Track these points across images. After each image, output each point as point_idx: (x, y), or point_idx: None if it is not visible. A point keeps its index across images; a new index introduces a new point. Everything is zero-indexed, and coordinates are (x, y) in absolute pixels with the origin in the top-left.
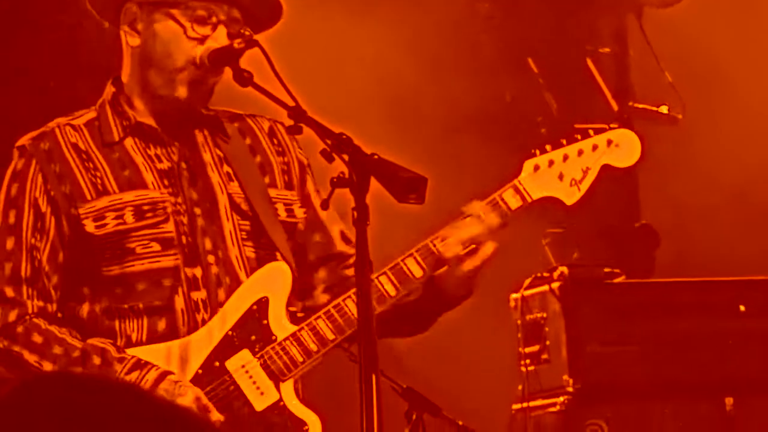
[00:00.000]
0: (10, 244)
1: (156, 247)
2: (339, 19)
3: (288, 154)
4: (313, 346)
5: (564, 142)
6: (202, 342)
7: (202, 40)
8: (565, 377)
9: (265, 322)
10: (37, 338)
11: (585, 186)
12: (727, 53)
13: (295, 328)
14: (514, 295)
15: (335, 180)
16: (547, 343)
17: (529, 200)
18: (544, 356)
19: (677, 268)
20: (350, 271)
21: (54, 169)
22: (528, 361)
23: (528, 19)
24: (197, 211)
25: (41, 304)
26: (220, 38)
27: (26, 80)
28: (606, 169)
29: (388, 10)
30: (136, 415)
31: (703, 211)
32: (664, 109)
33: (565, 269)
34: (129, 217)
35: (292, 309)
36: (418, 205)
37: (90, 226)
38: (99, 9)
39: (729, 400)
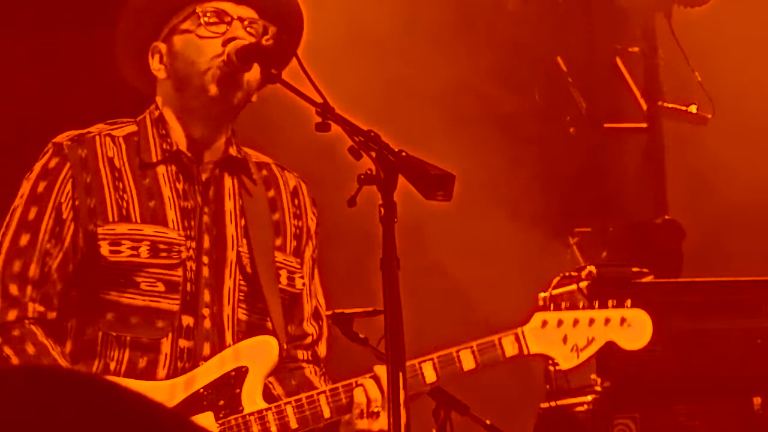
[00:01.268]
0: (24, 240)
1: (161, 287)
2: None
3: (303, 218)
4: (273, 429)
5: (581, 305)
6: (176, 390)
7: (218, 36)
8: (593, 376)
9: (238, 391)
10: (30, 348)
11: (585, 356)
12: (755, 52)
13: (264, 406)
14: (542, 294)
15: (362, 177)
16: None
17: (526, 353)
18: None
19: (705, 268)
20: (302, 372)
21: (85, 179)
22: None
23: (557, 17)
24: (205, 260)
25: (42, 309)
26: (237, 33)
27: (79, 77)
28: (610, 344)
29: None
30: (104, 408)
31: (731, 211)
32: (693, 109)
33: (593, 268)
34: (144, 251)
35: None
36: (445, 202)
37: (105, 248)
38: (133, 63)
39: (757, 400)
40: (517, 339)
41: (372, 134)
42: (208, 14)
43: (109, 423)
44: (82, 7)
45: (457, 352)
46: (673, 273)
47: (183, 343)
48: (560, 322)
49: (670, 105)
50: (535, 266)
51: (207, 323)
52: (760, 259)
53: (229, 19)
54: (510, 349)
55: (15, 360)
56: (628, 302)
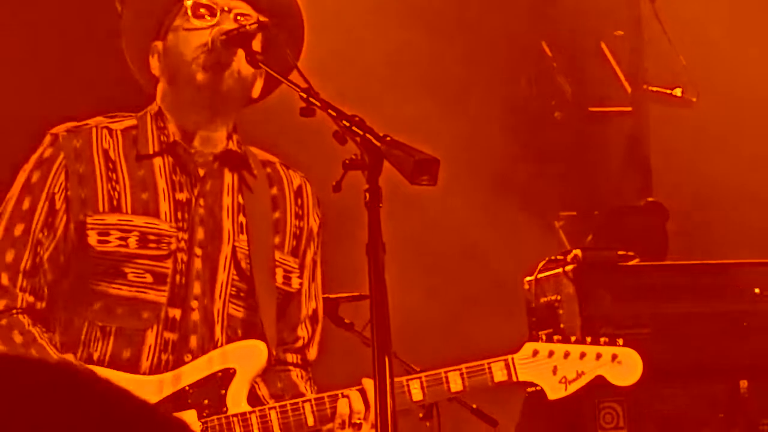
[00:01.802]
0: (18, 231)
1: (149, 278)
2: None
3: (305, 218)
4: None
5: (572, 338)
6: (163, 386)
7: (206, 28)
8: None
9: (224, 392)
10: (17, 337)
11: (573, 388)
12: (740, 35)
13: (248, 408)
14: (528, 278)
15: (347, 162)
16: (561, 326)
17: (514, 380)
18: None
19: (691, 251)
20: (289, 375)
21: (78, 169)
22: None
23: (542, 2)
24: (198, 251)
25: (31, 299)
26: (225, 24)
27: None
28: (598, 378)
29: None
30: (72, 395)
31: (717, 193)
32: (678, 92)
33: (578, 252)
34: (133, 242)
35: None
36: (430, 186)
37: (93, 238)
38: (136, 64)
39: (744, 383)
40: (507, 366)
41: (357, 119)
42: (198, 6)
43: (79, 415)
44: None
45: (446, 373)
46: (659, 256)
47: (168, 335)
48: (551, 353)
49: (654, 88)
50: (520, 250)
51: (195, 315)
52: (746, 241)
53: (219, 10)
54: (499, 374)
55: (1, 348)
56: (620, 341)
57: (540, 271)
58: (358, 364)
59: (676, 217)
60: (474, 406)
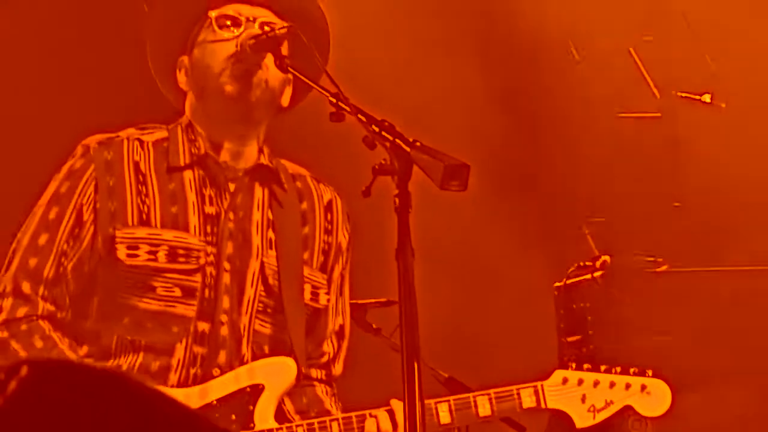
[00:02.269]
0: (42, 240)
1: (177, 292)
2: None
3: (334, 233)
4: None
5: (602, 368)
6: (190, 399)
7: (232, 39)
8: (603, 367)
9: (251, 408)
10: (38, 342)
11: (601, 417)
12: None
13: (275, 425)
14: (557, 284)
15: (377, 167)
16: (590, 332)
17: (543, 407)
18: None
19: (720, 257)
20: (314, 391)
21: (108, 182)
22: (570, 350)
23: (570, 5)
24: (227, 266)
25: (52, 308)
26: (252, 32)
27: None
28: (626, 409)
29: None
30: (120, 403)
31: (747, 200)
32: (707, 98)
33: (607, 258)
34: (162, 256)
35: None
36: (460, 191)
37: (122, 252)
38: (163, 78)
39: None
40: (536, 392)
41: (386, 124)
42: (222, 18)
43: (125, 418)
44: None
45: (474, 397)
46: (686, 261)
47: (197, 349)
48: (581, 381)
49: (684, 94)
50: (549, 255)
51: (224, 330)
52: None
53: (244, 20)
54: (527, 401)
55: (23, 354)
56: (650, 372)
57: (569, 278)
58: (387, 369)
59: (705, 222)
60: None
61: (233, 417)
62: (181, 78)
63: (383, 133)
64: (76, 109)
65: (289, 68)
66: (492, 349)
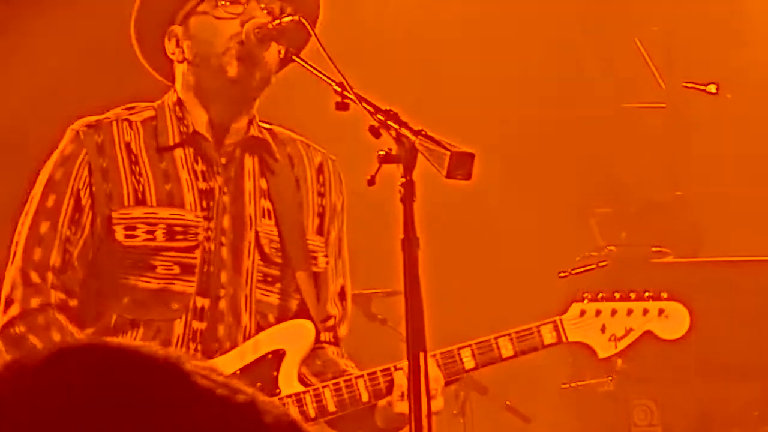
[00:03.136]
0: (44, 228)
1: (176, 270)
2: None
3: (327, 195)
4: (311, 413)
5: (617, 296)
6: None
7: (235, 16)
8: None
9: (275, 374)
10: (56, 335)
11: (623, 345)
12: None
13: (301, 388)
14: (561, 274)
15: (382, 156)
16: None
17: (564, 341)
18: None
19: (725, 247)
20: (326, 353)
21: (102, 164)
22: None
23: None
24: (224, 240)
25: (63, 296)
26: (255, 13)
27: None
28: (647, 335)
29: None
30: (173, 391)
31: (753, 189)
32: (712, 88)
33: (613, 248)
34: (160, 234)
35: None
36: (465, 180)
37: (120, 233)
38: (147, 53)
39: None
40: (556, 327)
41: (391, 113)
42: None
43: (185, 411)
44: None
45: (496, 339)
46: (692, 252)
47: (196, 324)
48: (598, 312)
49: (689, 84)
50: (555, 246)
51: (222, 304)
52: None
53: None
54: (548, 337)
55: (40, 347)
56: (665, 294)
57: (575, 268)
58: (394, 359)
59: (711, 212)
60: (507, 402)
61: (258, 385)
62: (171, 48)
63: (388, 121)
64: (61, 94)
65: (294, 57)
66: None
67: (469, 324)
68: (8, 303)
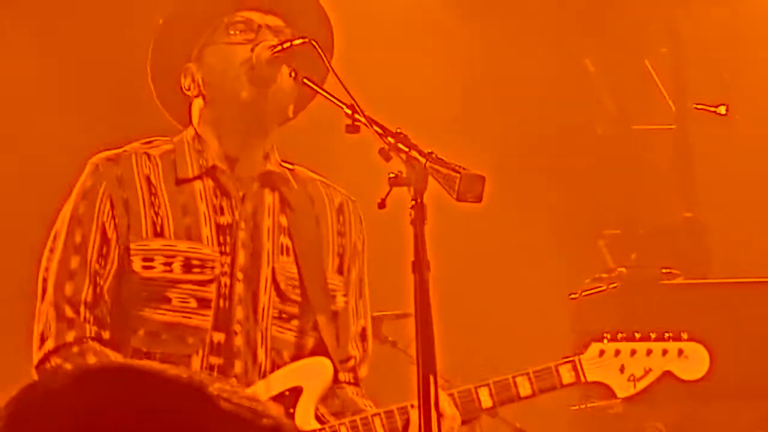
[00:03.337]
0: (74, 263)
1: (193, 303)
2: None
3: (347, 235)
4: None
5: (637, 336)
6: None
7: (247, 43)
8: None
9: (292, 411)
10: (92, 359)
11: (642, 385)
12: None
13: (317, 426)
14: (572, 296)
15: (392, 179)
16: None
17: (583, 381)
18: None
19: (734, 269)
20: (345, 392)
21: (122, 196)
22: None
23: (584, 19)
24: (239, 275)
25: (97, 329)
26: (266, 38)
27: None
28: (667, 375)
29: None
30: (198, 414)
31: (761, 211)
32: (722, 110)
33: (623, 270)
34: (177, 267)
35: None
36: (476, 203)
37: (137, 264)
38: (162, 86)
39: None
40: (575, 367)
41: (401, 135)
42: (236, 23)
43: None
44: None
45: (514, 378)
46: (701, 273)
47: (213, 359)
48: (617, 352)
49: (699, 106)
50: (565, 268)
51: (239, 340)
52: None
53: (256, 26)
54: (567, 376)
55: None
56: (685, 335)
57: (585, 289)
58: (404, 382)
59: (720, 234)
60: (517, 425)
61: None
62: (187, 84)
63: (399, 144)
64: (78, 126)
65: (304, 81)
66: (508, 361)
67: (479, 345)
68: (43, 339)
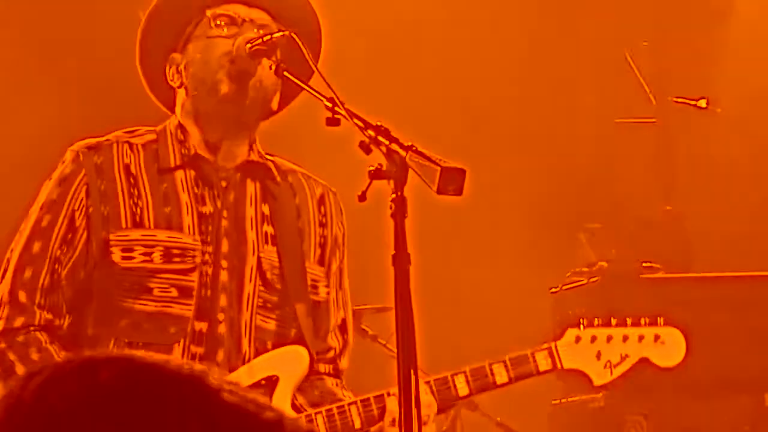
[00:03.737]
0: (36, 248)
1: (174, 293)
2: None
3: (329, 226)
4: None
5: (613, 321)
6: None
7: (230, 37)
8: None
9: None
10: (34, 355)
11: (618, 372)
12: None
13: (294, 416)
14: (553, 290)
15: (372, 172)
16: None
17: (559, 367)
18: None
19: (716, 263)
20: (324, 383)
21: (100, 186)
22: None
23: (566, 15)
24: (224, 263)
25: (50, 316)
26: (249, 34)
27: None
28: (643, 362)
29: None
30: (201, 406)
31: (743, 205)
32: (702, 103)
33: (604, 264)
34: (157, 257)
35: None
36: (456, 196)
37: (117, 255)
38: (151, 83)
39: None
40: (551, 354)
41: (382, 128)
42: (219, 17)
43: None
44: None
45: (490, 365)
46: (682, 267)
47: (195, 348)
48: (594, 338)
49: (680, 100)
50: (545, 262)
51: (222, 328)
52: None
53: (240, 21)
54: (543, 363)
55: (20, 366)
56: (661, 320)
57: (565, 283)
58: (384, 375)
59: (701, 228)
60: (498, 419)
61: None
62: (171, 74)
63: (379, 137)
64: (62, 114)
65: (285, 73)
66: (488, 355)
67: (460, 339)
68: None
